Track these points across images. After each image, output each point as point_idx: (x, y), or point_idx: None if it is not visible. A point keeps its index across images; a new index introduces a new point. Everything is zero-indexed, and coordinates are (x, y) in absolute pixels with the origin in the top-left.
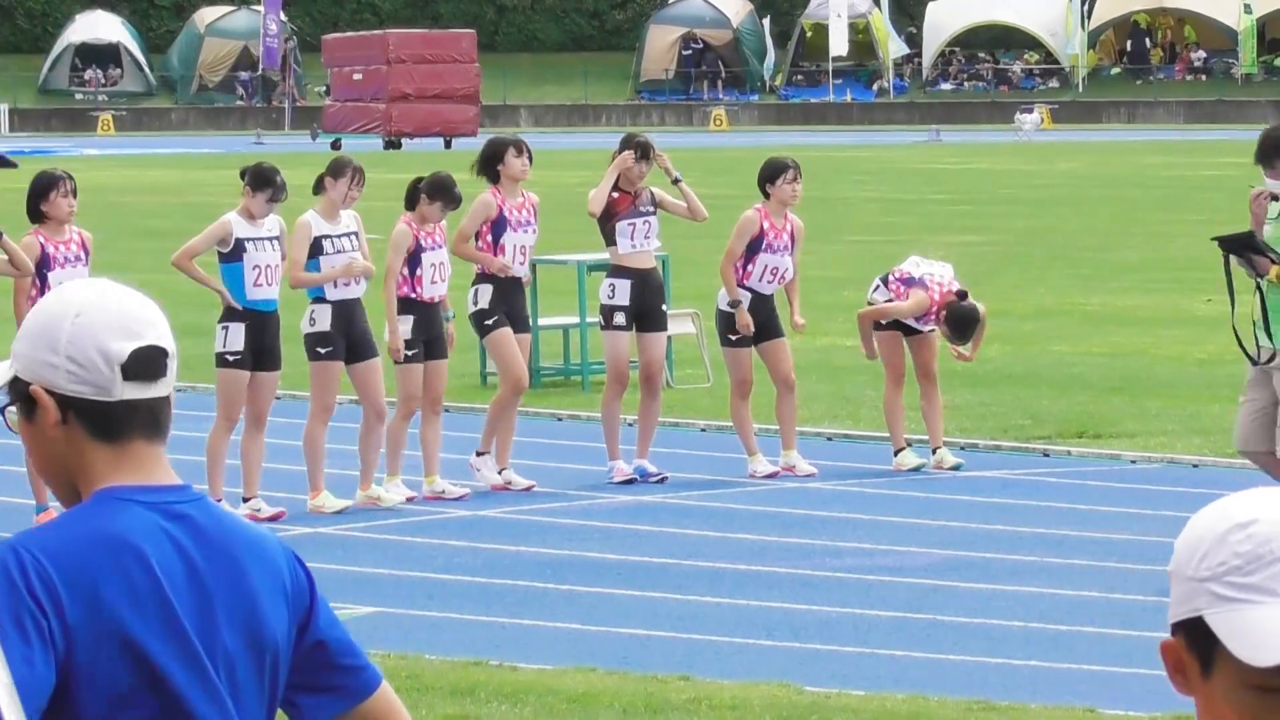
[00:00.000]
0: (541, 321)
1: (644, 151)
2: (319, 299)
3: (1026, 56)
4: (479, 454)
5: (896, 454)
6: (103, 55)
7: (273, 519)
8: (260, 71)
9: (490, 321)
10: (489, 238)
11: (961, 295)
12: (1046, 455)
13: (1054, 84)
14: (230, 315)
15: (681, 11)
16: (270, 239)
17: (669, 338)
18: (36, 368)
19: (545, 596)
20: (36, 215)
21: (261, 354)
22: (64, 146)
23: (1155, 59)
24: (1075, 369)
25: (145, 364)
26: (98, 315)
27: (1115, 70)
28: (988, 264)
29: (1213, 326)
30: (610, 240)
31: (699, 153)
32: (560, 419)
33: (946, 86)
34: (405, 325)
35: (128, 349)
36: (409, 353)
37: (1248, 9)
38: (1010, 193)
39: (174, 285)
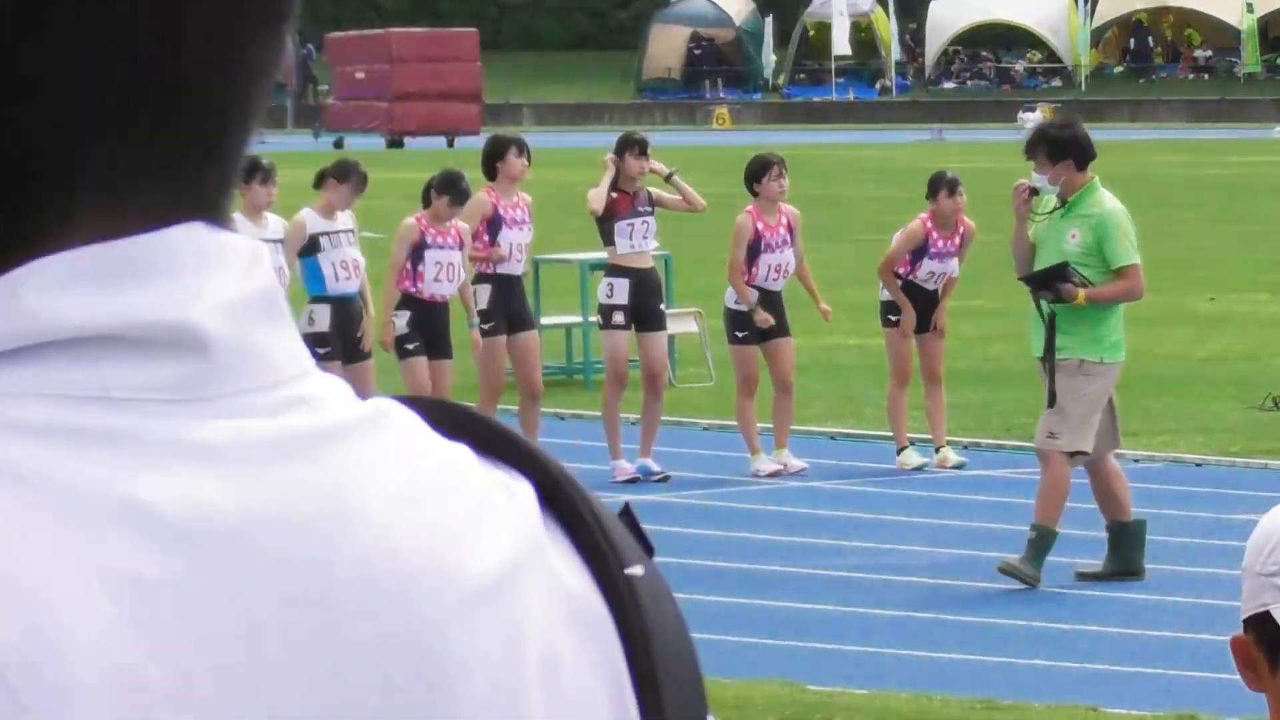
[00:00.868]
0: (543, 321)
1: (643, 149)
2: (318, 298)
3: (1029, 55)
4: None
5: (899, 453)
6: None
7: None
8: None
9: (487, 326)
10: (485, 237)
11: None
12: None
13: (1057, 83)
14: None
15: (684, 10)
16: (274, 241)
17: (671, 337)
18: None
19: None
20: None
21: None
22: None
23: (1158, 58)
24: None
25: None
26: None
27: (1118, 69)
28: (991, 262)
29: (1215, 325)
30: (609, 240)
31: (702, 151)
32: (563, 418)
33: (949, 85)
34: (401, 320)
35: None
36: (408, 347)
37: (1250, 8)
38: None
39: None
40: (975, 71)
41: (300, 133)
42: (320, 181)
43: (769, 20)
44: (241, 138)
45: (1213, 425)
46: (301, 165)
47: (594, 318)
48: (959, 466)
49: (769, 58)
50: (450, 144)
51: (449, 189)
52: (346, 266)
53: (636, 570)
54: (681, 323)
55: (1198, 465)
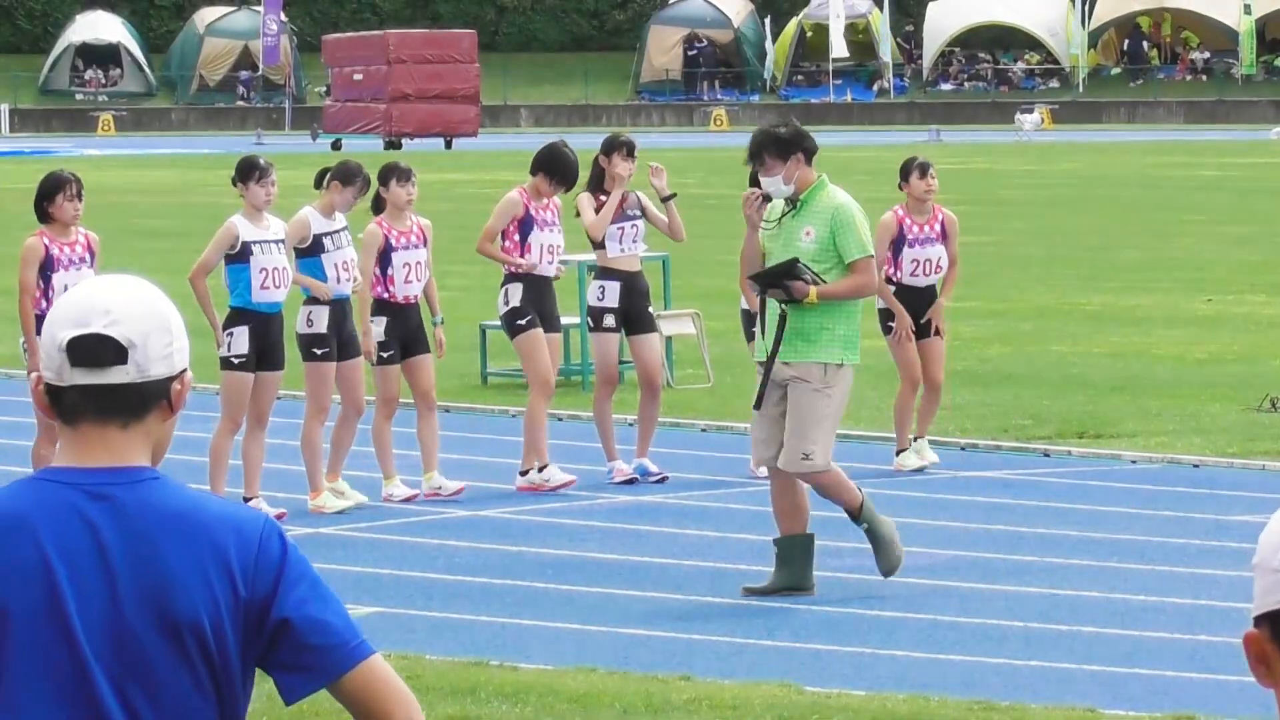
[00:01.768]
0: None
1: (630, 150)
2: (316, 299)
3: (1027, 57)
4: (523, 473)
5: (898, 454)
6: (103, 56)
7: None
8: (260, 71)
9: (523, 321)
10: (516, 237)
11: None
12: (1047, 455)
13: (1054, 84)
14: (234, 319)
15: (682, 11)
16: (276, 241)
17: (668, 338)
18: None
19: (545, 596)
20: (43, 216)
21: (265, 353)
22: (64, 147)
23: (1154, 59)
24: (1075, 369)
25: (85, 351)
26: (62, 305)
27: (1115, 70)
28: (988, 264)
29: (1213, 326)
30: (598, 244)
31: (699, 153)
32: (561, 419)
33: (947, 87)
34: (379, 326)
35: (69, 336)
36: (383, 355)
37: (1248, 9)
38: (1010, 193)
39: (177, 287)
40: (973, 73)
41: (298, 133)
42: (322, 181)
43: (767, 21)
44: None
45: (1210, 426)
46: (299, 166)
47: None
48: (928, 464)
49: (767, 59)
50: (448, 145)
51: (342, 177)
52: (347, 268)
53: None
54: (679, 324)
55: (1195, 466)
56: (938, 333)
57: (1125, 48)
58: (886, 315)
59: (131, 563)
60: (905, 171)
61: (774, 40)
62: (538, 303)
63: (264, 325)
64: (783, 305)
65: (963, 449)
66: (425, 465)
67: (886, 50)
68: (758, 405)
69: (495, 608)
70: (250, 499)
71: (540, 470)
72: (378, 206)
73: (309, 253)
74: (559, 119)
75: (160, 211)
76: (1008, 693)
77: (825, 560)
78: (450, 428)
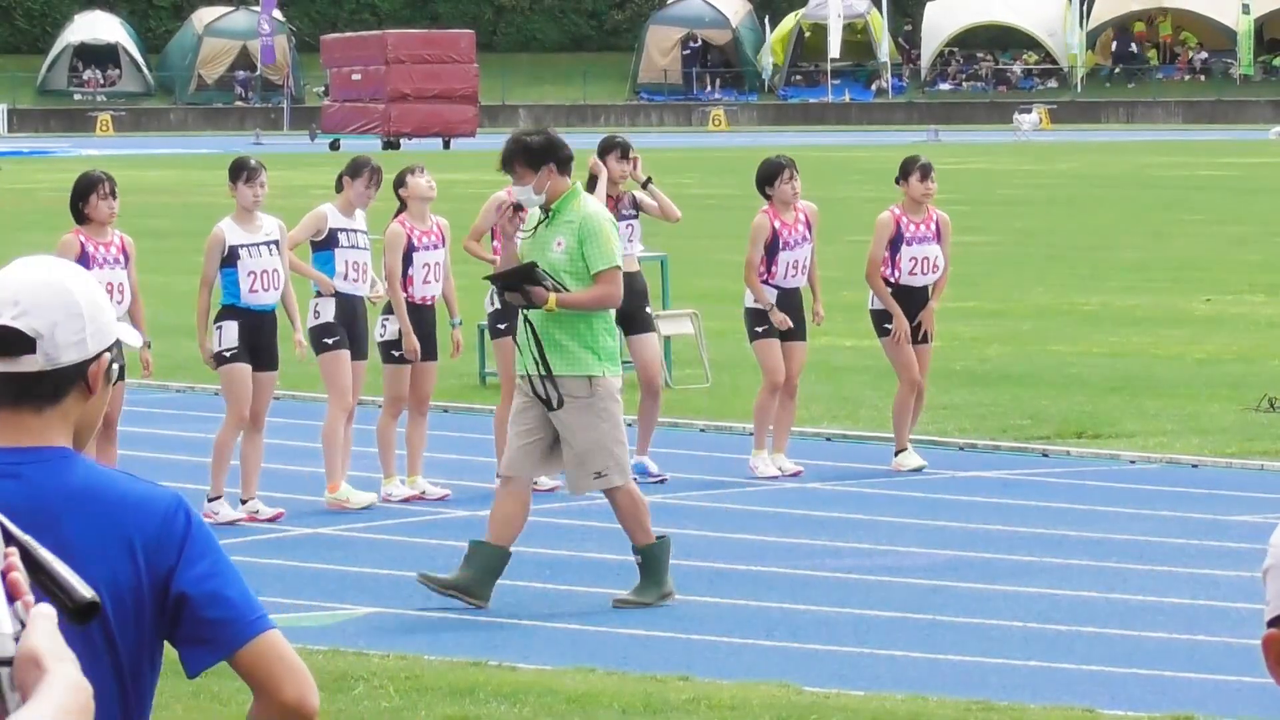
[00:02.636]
0: None
1: (624, 151)
2: (323, 293)
3: (1025, 57)
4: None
5: (897, 454)
6: (101, 56)
7: (272, 519)
8: (259, 71)
9: (503, 326)
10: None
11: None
12: (1046, 455)
13: (1052, 84)
14: (224, 315)
15: (681, 11)
16: (268, 243)
17: (667, 339)
18: None
19: (544, 596)
20: (79, 217)
21: (258, 353)
22: (63, 147)
23: (1153, 59)
24: (1074, 369)
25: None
26: None
27: (1115, 70)
28: (986, 264)
29: (1211, 326)
30: None
31: (698, 153)
32: None
33: (945, 87)
34: (392, 325)
35: None
36: (394, 354)
37: (1246, 9)
38: (1009, 193)
39: (171, 286)
40: (971, 73)
41: (297, 133)
42: (340, 184)
43: (766, 21)
44: None
45: (1209, 426)
46: (298, 166)
47: None
48: (918, 470)
49: (766, 59)
50: (446, 145)
51: (353, 171)
52: (358, 269)
53: None
54: (678, 324)
55: (1194, 466)
56: (927, 338)
57: (1114, 49)
58: (882, 317)
59: (38, 540)
60: (906, 170)
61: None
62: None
63: (255, 324)
64: (524, 312)
65: (961, 449)
66: (410, 469)
67: (885, 50)
68: (553, 406)
69: (493, 608)
70: (247, 500)
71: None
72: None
73: (323, 246)
74: (557, 119)
75: (159, 211)
76: (1006, 693)
77: (824, 560)
78: (449, 428)
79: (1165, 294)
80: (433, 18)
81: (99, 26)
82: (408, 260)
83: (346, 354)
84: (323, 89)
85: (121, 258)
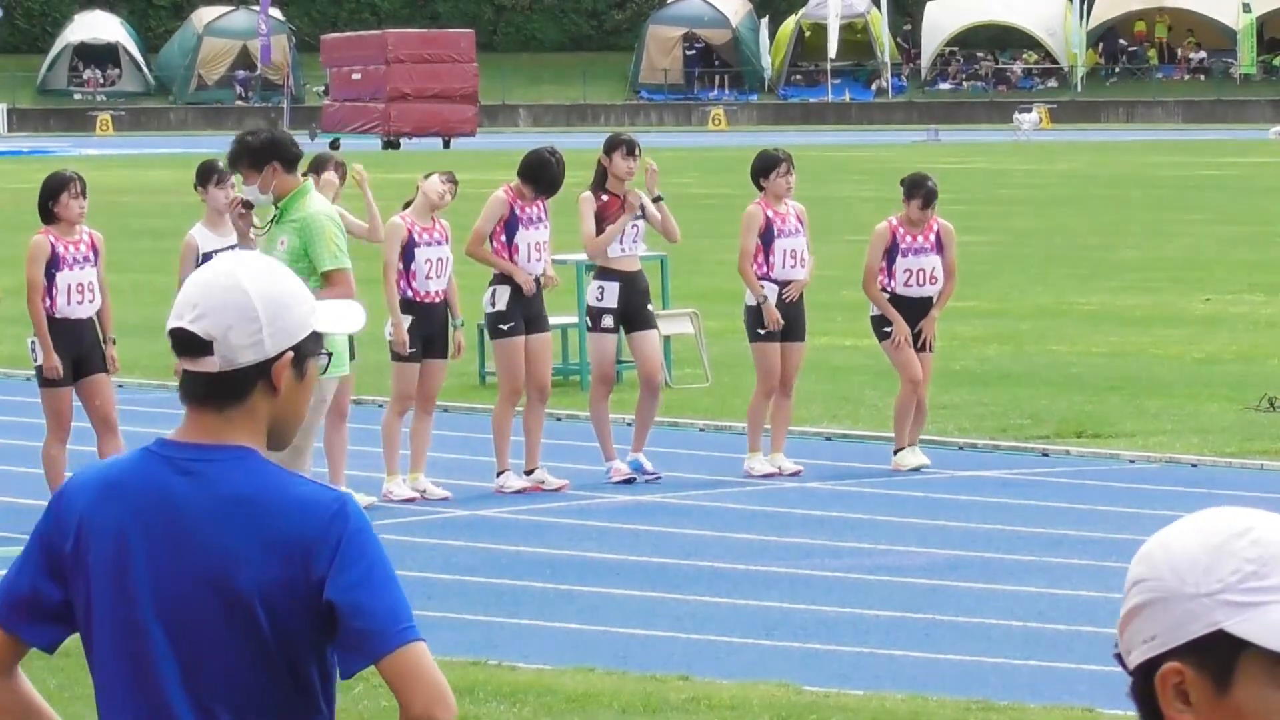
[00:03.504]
0: None
1: (630, 149)
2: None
3: (1025, 56)
4: (528, 472)
5: (896, 453)
6: (101, 55)
7: None
8: (259, 71)
9: (505, 327)
10: (502, 238)
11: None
12: (1045, 455)
13: (1052, 84)
14: None
15: (680, 11)
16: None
17: (667, 338)
18: None
19: (544, 596)
20: (48, 216)
21: None
22: (63, 146)
23: (1152, 59)
24: (1074, 368)
25: (179, 342)
26: (180, 293)
27: (1115, 69)
28: (986, 264)
29: (1211, 326)
30: None
31: (698, 152)
32: (559, 419)
33: (945, 86)
34: (404, 322)
35: (169, 327)
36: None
37: (1246, 8)
38: (1009, 193)
39: (171, 287)
40: (971, 72)
41: (297, 133)
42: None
43: (765, 21)
44: None
45: (1208, 426)
46: (299, 167)
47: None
48: (917, 469)
49: (766, 59)
50: (446, 145)
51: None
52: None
53: None
54: (677, 323)
55: (1193, 466)
56: (927, 347)
57: (1100, 49)
58: (882, 322)
59: (201, 535)
60: (910, 193)
61: (771, 39)
62: (525, 304)
63: None
64: None
65: (961, 448)
66: (413, 465)
67: (885, 50)
68: None
69: (493, 607)
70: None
71: (528, 473)
72: (406, 206)
73: None
74: (557, 119)
75: (158, 211)
76: (1006, 692)
77: (823, 560)
78: (449, 427)
79: (1165, 294)
80: (433, 17)
81: (99, 26)
82: (409, 256)
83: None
84: (323, 88)
85: (91, 255)
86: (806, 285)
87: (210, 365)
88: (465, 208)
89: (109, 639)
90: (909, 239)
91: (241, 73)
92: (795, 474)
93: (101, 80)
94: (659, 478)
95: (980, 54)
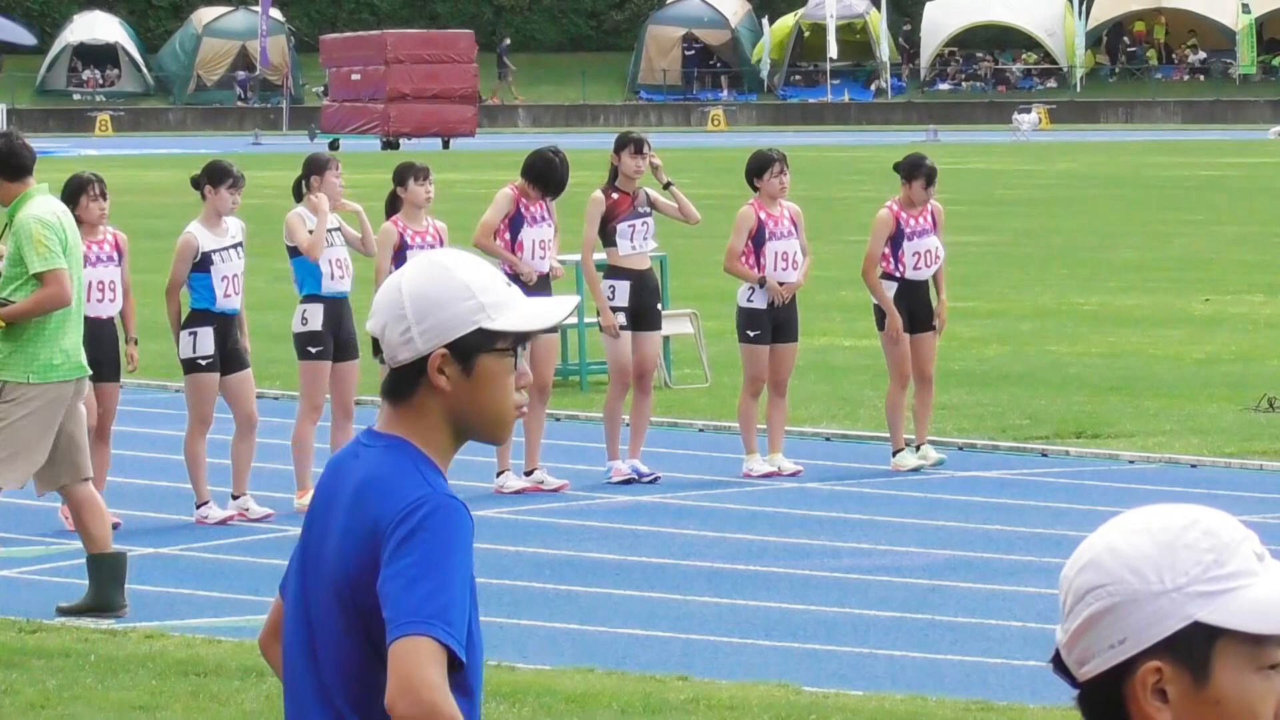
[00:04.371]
0: None
1: (638, 147)
2: (310, 297)
3: (1024, 57)
4: (528, 473)
5: (895, 454)
6: (101, 56)
7: (262, 519)
8: (258, 71)
9: None
10: (507, 235)
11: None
12: (1044, 455)
13: (1052, 84)
14: (198, 320)
15: (680, 12)
16: (234, 246)
17: (666, 338)
18: None
19: (544, 596)
20: None
21: (237, 354)
22: (62, 147)
23: (1152, 59)
24: (1073, 369)
25: (374, 344)
26: None
27: (1115, 69)
28: (985, 264)
29: (1210, 326)
30: (609, 241)
31: (697, 153)
32: (559, 419)
33: (944, 87)
34: None
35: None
36: None
37: (1246, 9)
38: (1008, 193)
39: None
40: (970, 73)
41: (296, 134)
42: (300, 191)
43: (764, 22)
44: None
45: (1208, 426)
46: (297, 167)
47: (590, 319)
48: (939, 463)
49: (765, 59)
50: (445, 145)
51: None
52: (341, 265)
53: None
54: (677, 324)
55: (1193, 466)
56: (936, 327)
57: (1100, 49)
58: (881, 313)
59: (342, 518)
60: (911, 173)
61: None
62: None
63: (227, 327)
64: None
65: (960, 449)
66: None
67: (884, 50)
68: None
69: (493, 608)
70: (238, 496)
71: (528, 474)
72: (392, 207)
73: (298, 251)
74: (557, 119)
75: (158, 211)
76: (1006, 693)
77: (823, 560)
78: None
79: (1164, 294)
80: (432, 18)
81: (98, 26)
82: (403, 260)
83: (328, 365)
84: (322, 89)
85: (115, 254)
86: (800, 286)
87: (390, 362)
88: (467, 208)
89: (290, 610)
90: (912, 221)
91: (241, 73)
92: (795, 474)
93: (101, 81)
94: (657, 479)
95: (979, 54)
